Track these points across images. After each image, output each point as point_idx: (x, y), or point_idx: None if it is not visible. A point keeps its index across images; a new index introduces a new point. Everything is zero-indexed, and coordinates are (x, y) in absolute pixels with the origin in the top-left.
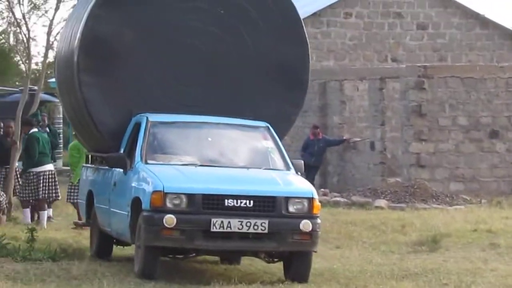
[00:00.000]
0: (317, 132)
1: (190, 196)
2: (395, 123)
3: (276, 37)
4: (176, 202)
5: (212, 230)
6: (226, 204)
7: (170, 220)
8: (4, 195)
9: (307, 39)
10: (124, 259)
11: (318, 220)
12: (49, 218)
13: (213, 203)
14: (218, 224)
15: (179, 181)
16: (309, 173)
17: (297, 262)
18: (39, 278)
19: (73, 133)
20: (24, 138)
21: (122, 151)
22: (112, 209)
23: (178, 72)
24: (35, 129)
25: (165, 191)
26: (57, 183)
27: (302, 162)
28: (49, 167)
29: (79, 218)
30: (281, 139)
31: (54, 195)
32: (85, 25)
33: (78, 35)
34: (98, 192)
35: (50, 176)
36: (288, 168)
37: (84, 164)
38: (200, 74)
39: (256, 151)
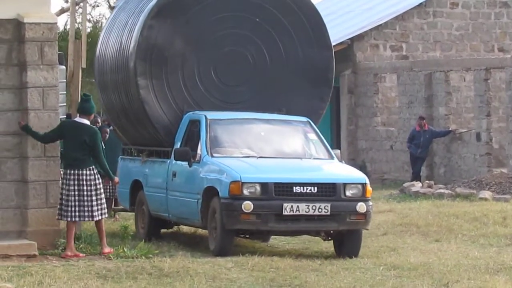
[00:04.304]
0: (423, 123)
1: (264, 185)
2: (501, 113)
3: (304, 42)
4: (252, 190)
5: (284, 213)
6: (294, 190)
7: (248, 205)
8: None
9: (331, 43)
10: (217, 256)
11: (370, 202)
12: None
13: (284, 190)
14: (288, 208)
15: (253, 171)
16: (415, 164)
17: (350, 240)
18: (130, 276)
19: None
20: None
21: (178, 145)
22: (171, 197)
23: (221, 74)
24: None
25: (242, 181)
26: None
27: (339, 151)
28: None
29: None
30: None
31: None
32: (140, 34)
33: (133, 43)
34: (149, 181)
35: None
36: (331, 158)
37: (123, 156)
38: (241, 75)
39: (302, 143)
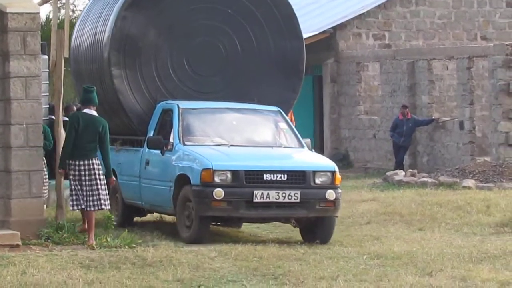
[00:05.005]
0: (406, 112)
1: (235, 172)
2: (484, 102)
3: (276, 34)
4: (223, 177)
5: (254, 200)
6: (264, 178)
7: (219, 193)
8: None
9: (302, 34)
10: (200, 245)
11: (339, 190)
12: None
13: (254, 177)
14: (259, 195)
15: (224, 159)
16: (398, 153)
17: (322, 227)
18: (114, 266)
19: None
20: None
21: (151, 134)
22: (144, 185)
23: (194, 64)
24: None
25: (213, 169)
26: None
27: (309, 140)
28: None
29: None
30: None
31: None
32: (114, 25)
33: (107, 34)
34: (123, 170)
35: None
36: (302, 146)
37: None
38: (213, 66)
39: (273, 132)
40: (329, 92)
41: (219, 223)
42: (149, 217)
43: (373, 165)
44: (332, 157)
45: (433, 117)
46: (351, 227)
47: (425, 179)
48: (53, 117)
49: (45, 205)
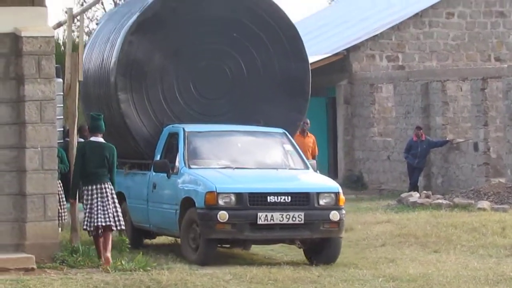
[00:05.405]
0: (420, 133)
1: (238, 195)
2: (499, 123)
3: (281, 56)
4: (227, 200)
5: (258, 222)
6: (268, 200)
7: (223, 215)
8: None
9: (308, 56)
10: (214, 268)
11: (343, 211)
12: None
13: (258, 199)
14: (263, 217)
15: (227, 182)
16: (412, 174)
17: (328, 248)
18: None
19: None
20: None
21: (158, 157)
22: (151, 208)
23: (200, 87)
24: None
25: (217, 191)
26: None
27: (315, 162)
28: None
29: None
30: None
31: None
32: (121, 50)
33: (114, 59)
34: (132, 194)
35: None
36: (307, 168)
37: None
38: (219, 89)
39: (278, 154)
40: (342, 114)
41: (225, 245)
42: (164, 239)
43: (388, 186)
44: (346, 179)
45: (447, 139)
46: (366, 249)
47: (440, 200)
48: (68, 140)
49: (60, 228)
